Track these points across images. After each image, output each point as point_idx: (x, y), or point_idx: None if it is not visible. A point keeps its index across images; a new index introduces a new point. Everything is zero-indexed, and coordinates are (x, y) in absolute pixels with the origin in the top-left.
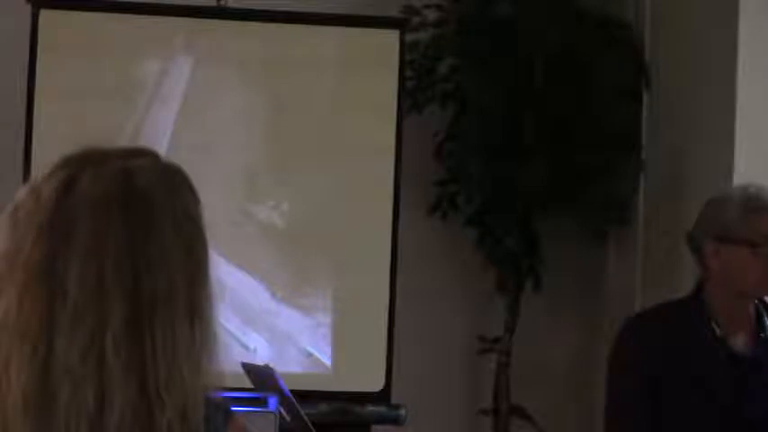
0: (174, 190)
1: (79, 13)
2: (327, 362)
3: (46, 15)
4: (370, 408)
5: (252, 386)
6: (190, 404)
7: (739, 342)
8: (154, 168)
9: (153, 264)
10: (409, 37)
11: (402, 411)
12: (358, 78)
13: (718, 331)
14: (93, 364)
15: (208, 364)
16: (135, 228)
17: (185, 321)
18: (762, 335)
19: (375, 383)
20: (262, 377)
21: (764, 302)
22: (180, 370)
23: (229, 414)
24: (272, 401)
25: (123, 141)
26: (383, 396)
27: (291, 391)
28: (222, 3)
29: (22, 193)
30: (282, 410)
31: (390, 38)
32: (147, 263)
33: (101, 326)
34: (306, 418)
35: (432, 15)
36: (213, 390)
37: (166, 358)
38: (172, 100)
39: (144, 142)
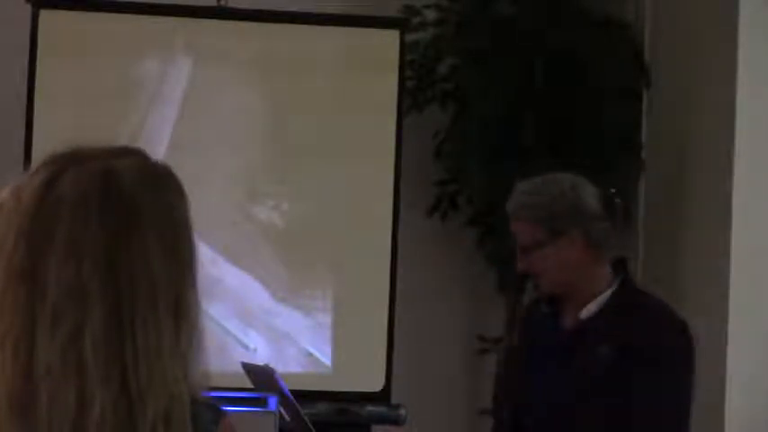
0: (158, 190)
1: (79, 13)
2: (327, 362)
3: (46, 15)
4: (370, 408)
5: (252, 386)
6: (175, 405)
7: (567, 320)
8: (138, 168)
9: (133, 265)
10: (409, 37)
11: (402, 411)
12: (358, 78)
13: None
14: (73, 364)
15: (194, 365)
16: (114, 228)
17: (169, 322)
18: (580, 317)
19: (375, 383)
20: (262, 377)
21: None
22: (163, 371)
23: (219, 413)
24: (272, 401)
25: (123, 141)
26: (383, 396)
27: (291, 391)
28: (222, 3)
29: (6, 191)
30: (282, 410)
31: (390, 38)
32: (127, 264)
33: (79, 326)
34: (306, 418)
35: (432, 15)
36: (201, 390)
37: (148, 359)
38: (172, 100)
39: (144, 142)
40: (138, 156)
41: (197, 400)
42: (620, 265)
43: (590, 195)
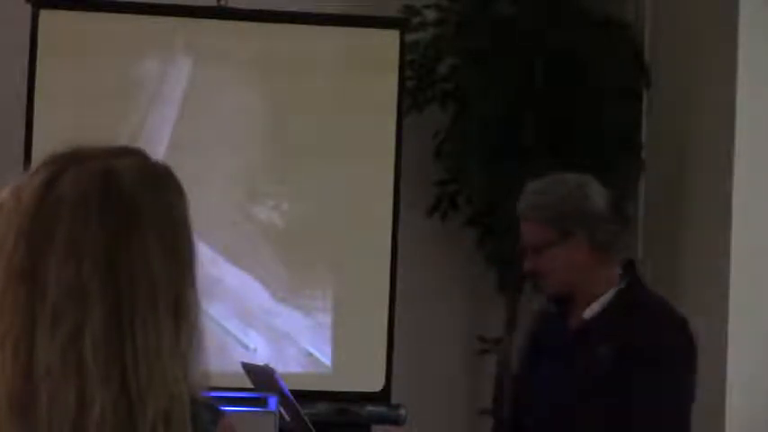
0: (157, 190)
1: (79, 12)
2: (327, 362)
3: (46, 15)
4: (370, 408)
5: (252, 386)
6: (174, 405)
7: (572, 320)
8: (138, 168)
9: (133, 265)
10: (409, 37)
11: (402, 411)
12: (358, 78)
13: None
14: (73, 364)
15: (194, 365)
16: (114, 228)
17: (169, 322)
18: (583, 317)
19: (375, 383)
20: (262, 377)
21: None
22: (163, 370)
23: (218, 413)
24: (272, 401)
25: (123, 141)
26: (383, 396)
27: (291, 391)
28: (222, 3)
29: (5, 191)
30: (282, 410)
31: (390, 38)
32: (127, 264)
33: (79, 327)
34: (306, 418)
35: (432, 15)
36: (201, 389)
37: (148, 359)
38: (172, 100)
39: (144, 142)
40: (137, 156)
41: (196, 401)
42: (629, 267)
43: (598, 197)
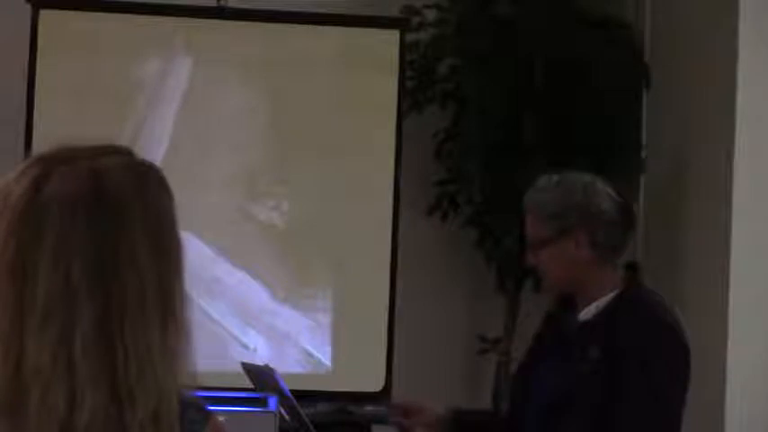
0: (144, 189)
1: (79, 12)
2: (327, 362)
3: (46, 15)
4: (370, 408)
5: (252, 386)
6: (163, 404)
7: (571, 321)
8: (124, 167)
9: (121, 264)
10: (409, 37)
11: None
12: (358, 78)
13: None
14: (63, 365)
15: (183, 364)
16: (102, 228)
17: (158, 321)
18: (579, 318)
19: (375, 383)
20: (262, 377)
21: (622, 292)
22: (153, 370)
23: (207, 413)
24: (272, 401)
25: (123, 141)
26: (383, 396)
27: (291, 391)
28: (222, 3)
29: None
30: (282, 410)
31: (390, 38)
32: (116, 263)
33: (70, 327)
34: (306, 418)
35: (432, 15)
36: (190, 389)
37: (138, 359)
38: (172, 100)
39: (144, 142)
40: (124, 155)
41: (185, 400)
42: (632, 269)
43: (603, 198)
